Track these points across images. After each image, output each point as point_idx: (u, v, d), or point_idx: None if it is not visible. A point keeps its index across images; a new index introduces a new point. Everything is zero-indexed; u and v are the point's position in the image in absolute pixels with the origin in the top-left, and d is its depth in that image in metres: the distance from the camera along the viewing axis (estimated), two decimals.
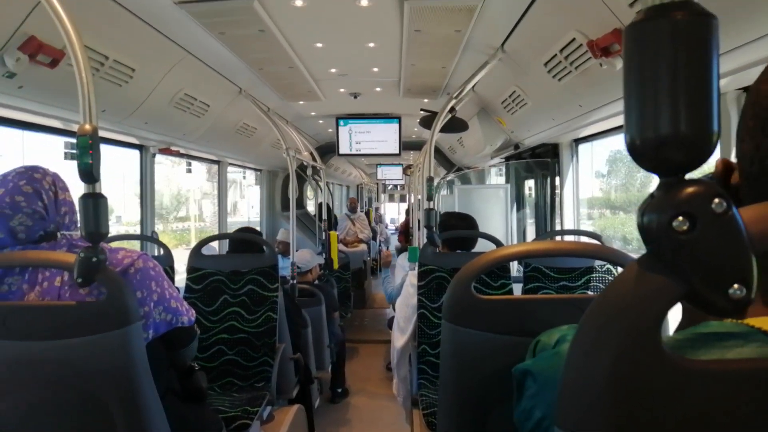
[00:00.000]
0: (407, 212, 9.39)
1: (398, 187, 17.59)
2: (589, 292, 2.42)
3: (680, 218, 0.37)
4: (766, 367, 0.39)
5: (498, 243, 2.47)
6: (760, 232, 0.38)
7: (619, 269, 2.25)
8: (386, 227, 14.50)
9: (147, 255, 1.38)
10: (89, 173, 1.12)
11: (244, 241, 2.89)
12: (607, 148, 3.91)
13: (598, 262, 2.42)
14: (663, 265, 0.38)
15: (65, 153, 2.55)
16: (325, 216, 4.85)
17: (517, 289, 2.65)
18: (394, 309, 3.17)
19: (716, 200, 0.36)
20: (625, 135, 0.39)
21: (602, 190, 4.52)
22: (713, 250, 0.36)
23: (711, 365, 0.38)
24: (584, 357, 0.40)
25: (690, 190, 0.37)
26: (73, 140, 2.40)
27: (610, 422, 0.38)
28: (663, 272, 0.38)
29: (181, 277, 3.01)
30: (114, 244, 1.44)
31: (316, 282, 4.14)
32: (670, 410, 0.37)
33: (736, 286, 0.36)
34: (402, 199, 19.92)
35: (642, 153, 0.38)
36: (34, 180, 1.29)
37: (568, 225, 3.82)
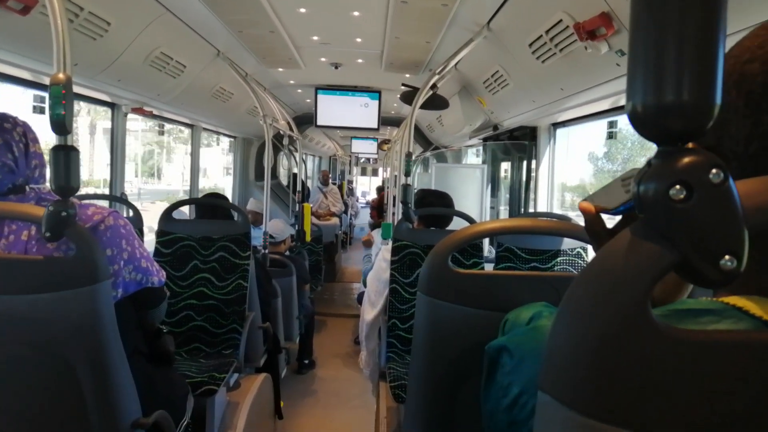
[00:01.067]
0: (379, 189, 9.37)
1: (371, 161, 17.49)
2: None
3: (677, 187, 0.36)
4: (749, 339, 0.39)
5: (472, 222, 2.48)
6: (754, 205, 0.38)
7: (590, 253, 2.28)
8: (357, 200, 14.51)
9: (118, 212, 1.35)
10: (62, 124, 1.08)
11: (211, 206, 2.84)
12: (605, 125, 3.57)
13: (566, 246, 2.46)
14: (656, 233, 0.38)
15: (34, 106, 2.46)
16: (299, 188, 4.81)
17: (488, 269, 2.68)
18: (365, 285, 3.19)
19: (714, 170, 0.36)
20: (627, 102, 0.39)
21: (596, 175, 4.25)
22: (708, 220, 0.37)
23: (698, 335, 0.39)
24: (574, 321, 0.40)
25: (688, 159, 0.37)
26: (43, 93, 2.31)
27: (598, 388, 0.38)
28: (656, 240, 0.38)
29: (149, 239, 2.96)
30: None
31: (288, 253, 4.12)
32: (657, 378, 0.37)
33: (727, 257, 0.36)
34: (374, 173, 19.85)
35: (643, 120, 0.38)
36: (4, 130, 1.23)
37: (542, 208, 3.86)
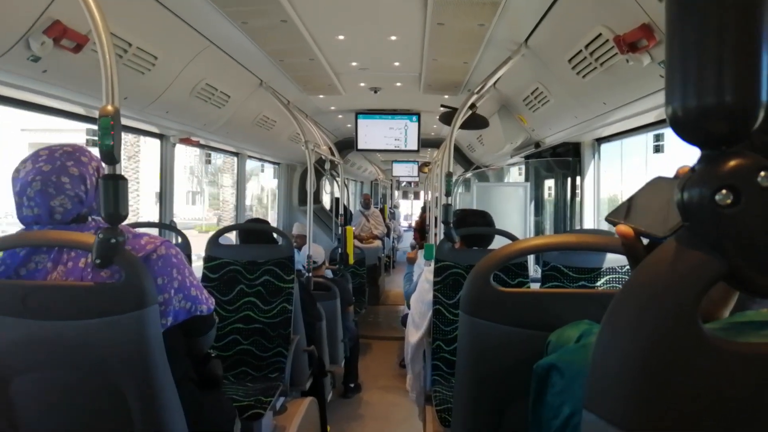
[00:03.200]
0: (423, 210, 9.38)
1: (412, 185, 17.59)
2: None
3: (724, 191, 0.35)
4: None
5: (514, 240, 2.44)
6: None
7: None
8: (399, 224, 14.53)
9: (169, 242, 1.38)
10: (110, 154, 1.13)
11: (255, 231, 2.89)
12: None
13: (616, 263, 2.38)
14: (703, 241, 0.36)
15: (87, 139, 2.61)
16: (341, 211, 4.86)
17: (535, 289, 2.62)
18: (408, 306, 3.16)
19: (762, 173, 0.35)
20: (666, 106, 0.38)
21: None
22: (757, 225, 0.35)
23: (754, 348, 0.37)
24: (618, 336, 0.39)
25: (734, 162, 0.35)
26: (95, 127, 2.42)
27: (646, 405, 0.36)
28: (703, 249, 0.36)
29: (197, 265, 3.03)
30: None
31: (332, 275, 4.15)
32: (710, 392, 0.35)
33: None
34: (416, 196, 19.93)
35: (684, 124, 0.37)
36: (82, 163, 1.30)
37: (588, 226, 3.77)
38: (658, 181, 0.57)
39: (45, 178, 1.25)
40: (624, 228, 0.57)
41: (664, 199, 0.52)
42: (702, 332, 0.36)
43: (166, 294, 1.31)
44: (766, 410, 0.35)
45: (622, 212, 0.59)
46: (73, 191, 1.27)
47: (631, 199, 0.59)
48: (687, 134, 0.37)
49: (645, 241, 0.58)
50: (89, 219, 1.32)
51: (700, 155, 0.37)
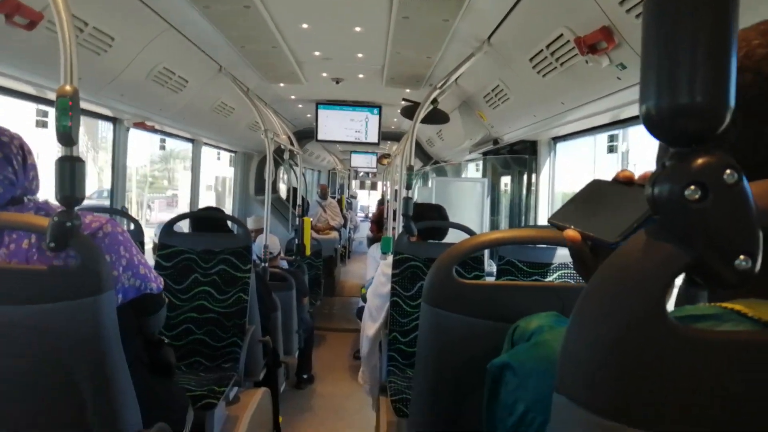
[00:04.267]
0: (380, 203, 9.41)
1: (369, 175, 17.58)
2: None
3: (692, 187, 0.37)
4: (754, 339, 0.40)
5: (472, 233, 2.48)
6: (766, 206, 0.38)
7: None
8: (356, 214, 14.55)
9: (115, 220, 1.34)
10: (68, 136, 1.08)
11: (208, 220, 2.82)
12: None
13: (568, 259, 2.45)
14: (672, 233, 0.38)
15: (37, 120, 2.49)
16: (299, 202, 4.82)
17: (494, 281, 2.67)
18: (364, 300, 3.17)
19: (728, 171, 0.37)
20: (640, 105, 0.39)
21: None
22: (723, 220, 0.37)
23: (710, 335, 0.39)
24: (591, 322, 0.40)
25: (703, 159, 0.37)
26: (45, 108, 2.31)
27: (614, 388, 0.38)
28: (671, 241, 0.38)
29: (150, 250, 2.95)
30: None
31: (287, 266, 4.12)
32: (674, 377, 0.37)
33: (742, 257, 0.36)
34: (373, 186, 19.98)
35: (657, 122, 0.38)
36: (2, 144, 1.23)
37: (542, 222, 3.86)
38: (597, 183, 0.60)
39: None
40: (572, 233, 0.59)
41: (609, 204, 0.54)
42: (668, 319, 0.38)
43: (115, 272, 1.27)
44: (723, 391, 0.37)
45: (565, 215, 0.61)
46: (1, 174, 1.21)
47: (572, 202, 0.62)
48: (659, 132, 0.38)
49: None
50: (25, 200, 1.26)
51: (671, 152, 0.39)
